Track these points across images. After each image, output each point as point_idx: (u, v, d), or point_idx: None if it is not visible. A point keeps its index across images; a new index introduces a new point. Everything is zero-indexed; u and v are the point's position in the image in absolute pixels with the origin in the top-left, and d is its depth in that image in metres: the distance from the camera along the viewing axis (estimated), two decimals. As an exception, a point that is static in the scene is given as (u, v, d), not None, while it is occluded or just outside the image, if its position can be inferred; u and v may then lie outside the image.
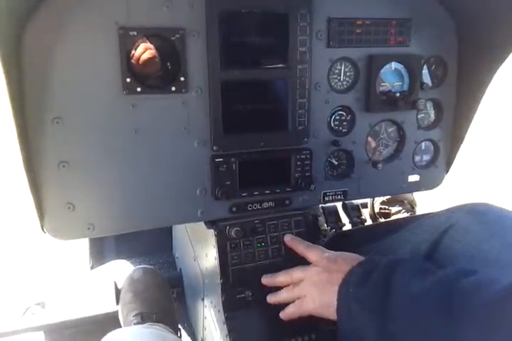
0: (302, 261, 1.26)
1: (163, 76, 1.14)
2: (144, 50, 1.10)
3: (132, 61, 1.09)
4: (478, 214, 1.16)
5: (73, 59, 1.05)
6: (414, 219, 1.34)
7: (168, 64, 1.13)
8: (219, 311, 1.31)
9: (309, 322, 1.23)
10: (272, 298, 1.26)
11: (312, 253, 1.24)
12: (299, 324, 1.24)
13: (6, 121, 0.98)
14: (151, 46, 1.10)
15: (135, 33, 1.07)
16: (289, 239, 1.33)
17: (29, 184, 1.07)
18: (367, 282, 1.03)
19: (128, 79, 1.09)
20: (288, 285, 1.24)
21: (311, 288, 1.17)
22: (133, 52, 1.09)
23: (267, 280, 1.28)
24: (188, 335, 1.77)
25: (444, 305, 0.90)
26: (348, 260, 1.14)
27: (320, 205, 2.09)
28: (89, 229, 1.16)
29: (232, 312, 1.28)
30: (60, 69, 1.04)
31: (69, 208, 1.13)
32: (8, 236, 2.55)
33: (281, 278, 1.26)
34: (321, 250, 1.24)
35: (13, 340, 1.72)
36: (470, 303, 0.88)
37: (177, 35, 1.10)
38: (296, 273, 1.23)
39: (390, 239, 1.34)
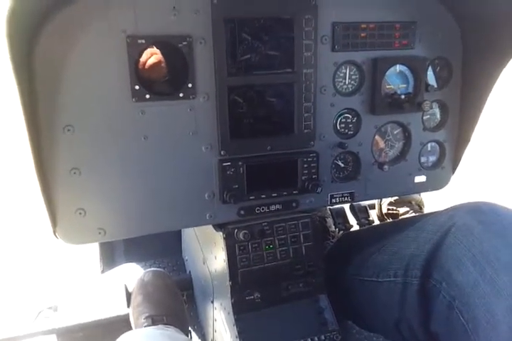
0: (309, 263, 1.26)
1: (169, 81, 1.15)
2: (150, 55, 1.11)
3: (139, 66, 1.11)
4: (478, 213, 1.17)
5: (83, 68, 1.07)
6: (418, 219, 1.35)
7: (175, 69, 1.15)
8: (229, 313, 1.32)
9: (317, 324, 1.24)
10: None
11: None
12: (307, 325, 1.25)
13: (18, 129, 1.00)
14: (157, 51, 1.12)
15: (143, 41, 1.09)
16: None
17: (41, 190, 1.09)
18: None
19: (137, 87, 1.11)
20: None
21: None
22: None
23: None
24: (199, 337, 1.78)
25: None
26: None
27: (328, 207, 2.10)
28: (99, 233, 1.19)
29: (241, 314, 1.30)
30: (70, 78, 1.06)
31: (80, 213, 1.16)
32: (21, 241, 2.58)
33: None
34: None
35: (26, 343, 1.75)
36: None
37: (184, 43, 1.12)
38: None
39: (394, 239, 1.35)
